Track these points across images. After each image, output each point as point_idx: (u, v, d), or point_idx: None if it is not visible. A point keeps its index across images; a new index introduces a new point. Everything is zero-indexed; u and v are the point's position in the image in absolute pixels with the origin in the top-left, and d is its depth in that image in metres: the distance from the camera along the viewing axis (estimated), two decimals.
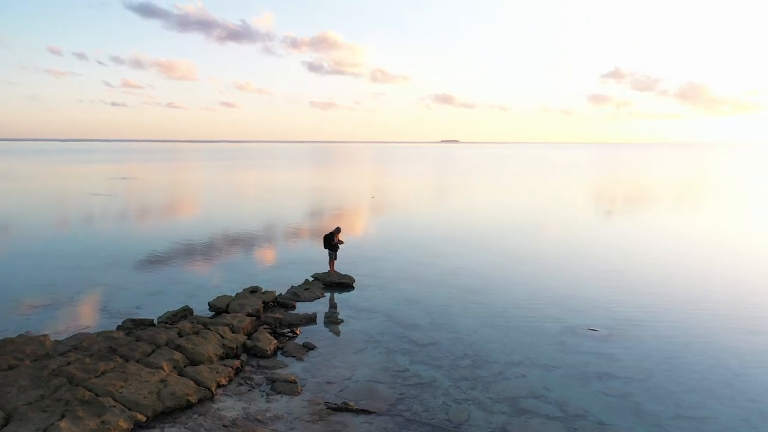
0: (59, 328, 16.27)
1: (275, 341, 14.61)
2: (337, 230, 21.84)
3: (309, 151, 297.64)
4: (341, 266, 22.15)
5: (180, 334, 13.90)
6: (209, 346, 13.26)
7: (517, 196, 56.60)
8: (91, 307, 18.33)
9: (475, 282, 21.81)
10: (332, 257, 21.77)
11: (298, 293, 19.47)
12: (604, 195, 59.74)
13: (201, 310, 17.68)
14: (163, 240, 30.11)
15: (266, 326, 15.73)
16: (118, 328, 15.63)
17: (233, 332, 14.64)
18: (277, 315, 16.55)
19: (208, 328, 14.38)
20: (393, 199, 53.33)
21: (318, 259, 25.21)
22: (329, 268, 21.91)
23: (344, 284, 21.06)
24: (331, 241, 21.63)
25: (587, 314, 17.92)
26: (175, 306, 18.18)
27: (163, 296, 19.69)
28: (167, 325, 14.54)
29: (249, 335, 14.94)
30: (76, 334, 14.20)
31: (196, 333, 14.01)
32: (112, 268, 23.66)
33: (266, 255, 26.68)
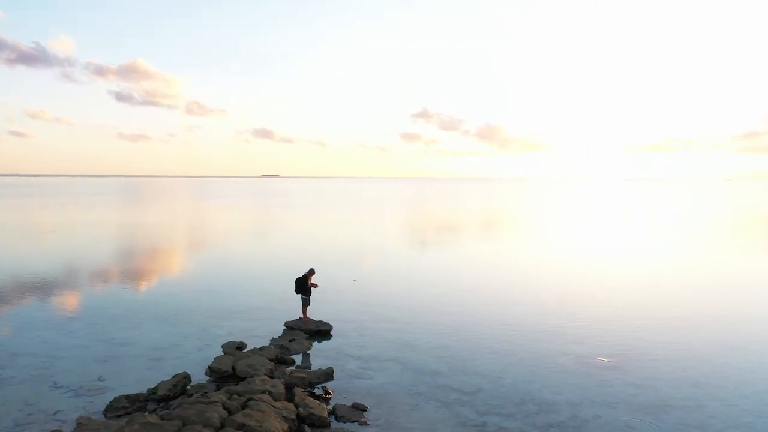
0: (19, 417, 12.61)
1: (325, 405, 12.68)
2: (311, 272, 19.97)
3: (122, 185, 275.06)
4: (286, 312, 20.32)
5: (226, 408, 11.43)
6: (273, 421, 11.05)
7: (392, 227, 57.13)
8: (40, 385, 14.51)
9: (447, 318, 21.24)
10: (305, 303, 19.82)
11: (285, 346, 17.32)
12: (464, 225, 62.77)
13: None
14: (67, 291, 25.28)
15: (301, 389, 13.61)
16: (110, 408, 12.55)
17: (275, 400, 12.43)
18: (301, 374, 14.45)
19: (252, 398, 12.02)
20: (276, 234, 50.85)
21: (261, 305, 23.02)
22: (302, 315, 19.91)
23: (323, 332, 19.25)
24: (305, 285, 19.71)
25: (580, 343, 18.22)
26: (143, 373, 15.39)
27: (118, 362, 16.30)
28: (200, 397, 11.85)
29: (290, 401, 12.80)
30: (81, 423, 11.00)
31: (245, 406, 11.62)
32: (21, 331, 19.21)
33: (203, 304, 23.49)
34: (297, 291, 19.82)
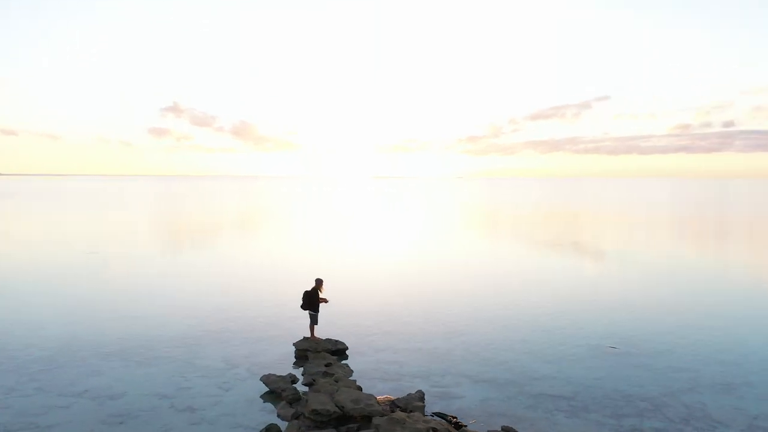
0: None
1: None
2: (319, 283, 17.45)
3: None
4: (255, 331, 17.84)
5: None
6: None
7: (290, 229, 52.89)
8: None
9: (439, 320, 20.45)
10: (314, 320, 17.30)
11: (331, 373, 14.97)
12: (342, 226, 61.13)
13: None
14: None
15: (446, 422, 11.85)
16: None
17: None
18: (416, 402, 12.57)
19: None
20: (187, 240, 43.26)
21: (226, 325, 19.73)
22: (310, 334, 17.36)
23: (340, 351, 17.08)
24: (315, 300, 17.19)
25: (580, 332, 19.07)
26: (195, 430, 12.00)
27: (140, 422, 12.40)
28: None
29: None
30: None
31: None
32: None
33: (146, 330, 18.94)
34: (304, 306, 17.19)
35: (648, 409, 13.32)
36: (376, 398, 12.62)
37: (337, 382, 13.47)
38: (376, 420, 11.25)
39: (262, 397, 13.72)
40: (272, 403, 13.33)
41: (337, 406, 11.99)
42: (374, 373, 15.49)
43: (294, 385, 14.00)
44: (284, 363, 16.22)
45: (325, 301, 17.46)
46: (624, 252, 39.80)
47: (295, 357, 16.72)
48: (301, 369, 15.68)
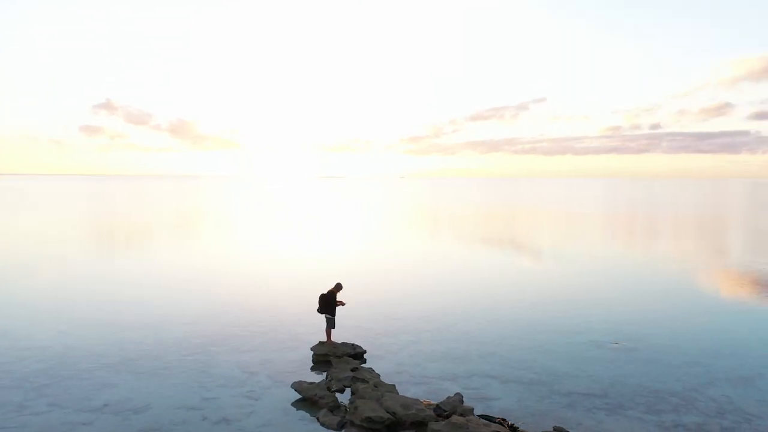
0: None
1: None
2: (337, 287, 16.99)
3: None
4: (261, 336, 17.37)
5: None
6: None
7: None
8: None
9: (443, 320, 20.32)
10: (330, 324, 16.85)
11: (360, 377, 14.60)
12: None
13: None
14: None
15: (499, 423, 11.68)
16: None
17: None
18: (467, 406, 12.37)
19: None
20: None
21: (231, 331, 19.01)
22: (326, 338, 16.89)
23: (359, 355, 16.71)
24: (332, 303, 16.74)
25: (581, 330, 19.34)
26: None
27: None
28: None
29: None
30: None
31: None
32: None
33: (144, 338, 18.01)
34: (320, 310, 16.73)
35: (680, 404, 13.57)
36: (422, 402, 12.35)
37: (376, 387, 13.10)
38: (434, 425, 11.00)
39: (294, 405, 13.23)
40: (308, 411, 12.86)
41: (387, 412, 11.64)
42: (400, 377, 15.19)
43: (330, 390, 13.52)
44: (303, 368, 15.72)
45: (342, 303, 17.03)
46: (608, 250, 40.85)
47: (314, 362, 16.24)
48: (324, 374, 15.22)
